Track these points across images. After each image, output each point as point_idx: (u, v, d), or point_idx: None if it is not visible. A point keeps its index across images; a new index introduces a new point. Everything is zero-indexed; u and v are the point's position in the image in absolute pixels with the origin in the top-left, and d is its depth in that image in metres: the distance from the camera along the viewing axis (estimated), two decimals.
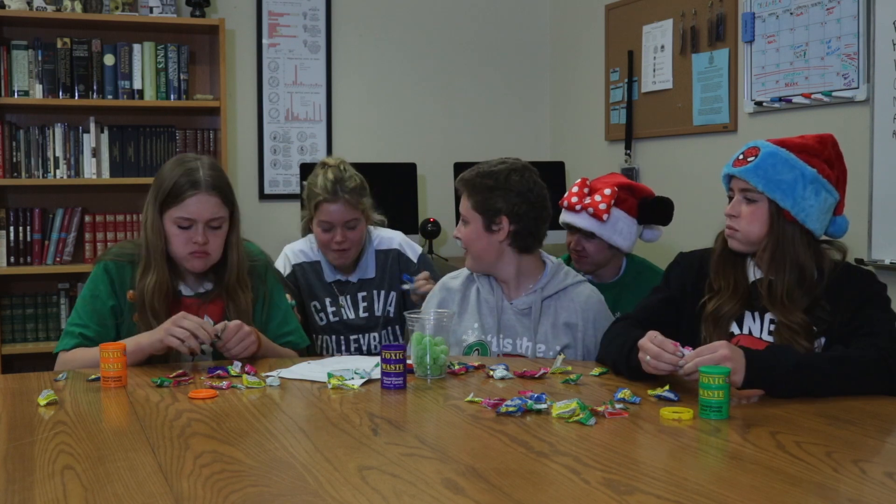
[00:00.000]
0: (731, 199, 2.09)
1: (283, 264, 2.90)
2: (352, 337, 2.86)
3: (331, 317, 2.86)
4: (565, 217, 2.81)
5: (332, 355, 2.82)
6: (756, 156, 2.01)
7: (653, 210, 2.81)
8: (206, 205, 2.22)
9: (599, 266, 2.83)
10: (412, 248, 2.97)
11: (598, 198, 2.73)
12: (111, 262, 2.28)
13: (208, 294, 2.30)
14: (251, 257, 2.39)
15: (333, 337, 2.86)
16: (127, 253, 2.30)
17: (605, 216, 2.71)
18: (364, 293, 2.88)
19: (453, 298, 2.46)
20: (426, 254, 3.01)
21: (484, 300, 2.42)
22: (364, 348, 2.87)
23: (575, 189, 2.79)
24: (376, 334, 2.88)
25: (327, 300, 2.86)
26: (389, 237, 2.96)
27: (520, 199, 2.34)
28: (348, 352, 2.86)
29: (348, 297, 2.87)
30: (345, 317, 2.86)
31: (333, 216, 2.77)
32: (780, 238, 1.99)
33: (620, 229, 2.76)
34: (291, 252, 2.92)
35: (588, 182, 2.82)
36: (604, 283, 2.82)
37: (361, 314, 2.86)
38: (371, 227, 2.94)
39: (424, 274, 2.85)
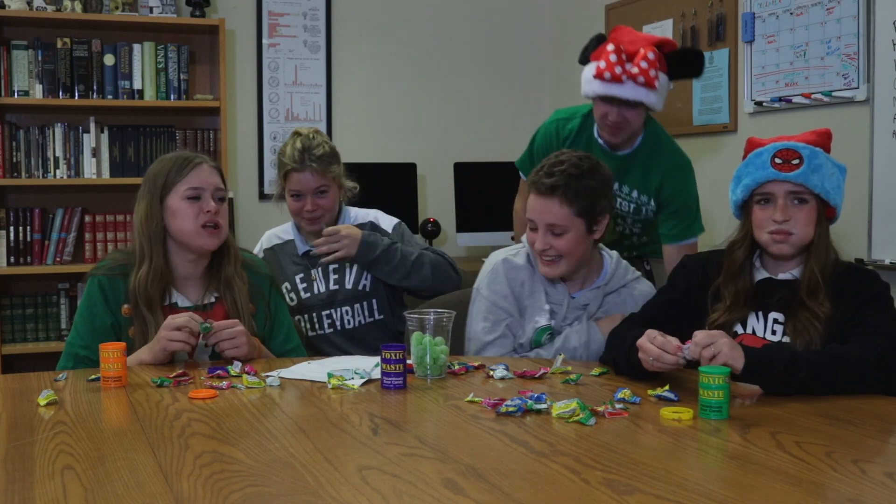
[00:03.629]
0: (753, 204, 2.05)
1: (258, 248, 2.93)
2: (324, 312, 2.83)
3: (302, 293, 2.84)
4: (607, 90, 2.61)
5: (306, 335, 2.83)
6: (800, 158, 1.99)
7: (686, 63, 2.68)
8: (211, 176, 2.27)
9: (635, 136, 2.77)
10: (388, 219, 2.94)
11: (643, 64, 2.57)
12: (104, 277, 2.25)
13: (208, 305, 2.29)
14: (255, 269, 2.40)
15: (306, 315, 2.85)
16: (119, 265, 2.27)
17: (656, 83, 2.59)
18: (335, 265, 2.84)
19: (520, 278, 2.35)
20: (403, 225, 2.95)
21: (547, 290, 2.35)
22: (337, 324, 2.84)
23: (612, 58, 2.59)
24: (349, 308, 2.84)
25: (297, 277, 2.85)
26: (365, 213, 2.95)
27: (611, 191, 2.30)
28: (321, 329, 2.84)
29: (319, 269, 2.85)
30: (316, 290, 2.84)
31: (302, 185, 2.77)
32: (822, 236, 2.02)
33: (661, 91, 2.66)
34: (266, 237, 2.96)
35: (620, 46, 2.61)
36: (622, 154, 2.77)
37: (331, 287, 2.83)
38: (348, 208, 2.94)
39: (327, 231, 2.79)
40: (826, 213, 2.02)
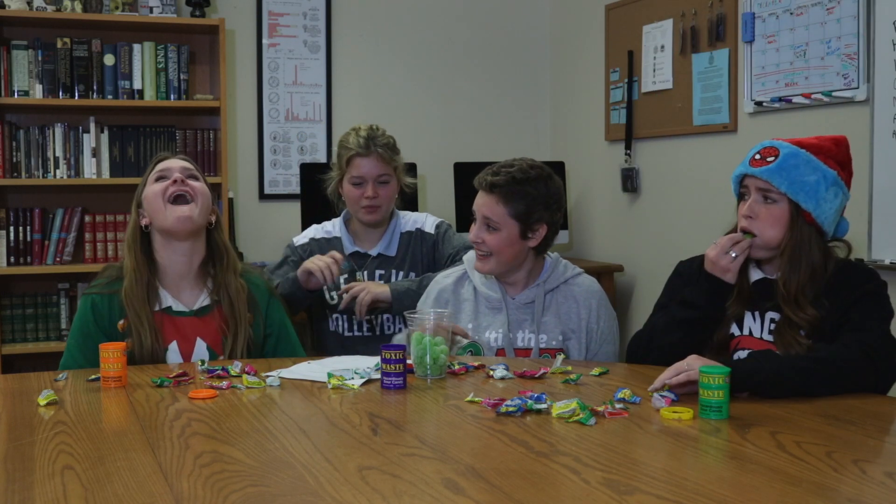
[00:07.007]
0: (741, 198, 2.07)
1: (303, 239, 2.92)
2: (365, 317, 2.80)
3: (345, 294, 2.82)
4: None
5: (345, 335, 2.83)
6: (776, 156, 1.98)
7: None
8: (176, 161, 2.32)
9: None
10: (432, 221, 2.94)
11: None
12: (97, 295, 2.26)
13: (204, 310, 2.29)
14: (254, 281, 2.39)
15: (346, 315, 2.83)
16: (112, 281, 2.27)
17: None
18: (382, 271, 2.85)
19: (444, 297, 2.46)
20: (445, 224, 2.96)
21: (483, 298, 2.41)
22: (377, 329, 2.83)
23: None
24: (389, 315, 2.82)
25: (342, 278, 2.82)
26: (414, 219, 2.96)
27: (556, 205, 2.36)
28: (360, 331, 2.83)
29: (365, 272, 2.84)
30: None
31: (365, 170, 2.79)
32: (798, 240, 1.98)
33: None
34: (313, 229, 2.95)
35: None
36: None
37: None
38: (399, 212, 2.95)
39: (350, 289, 2.74)
40: (804, 217, 1.98)
